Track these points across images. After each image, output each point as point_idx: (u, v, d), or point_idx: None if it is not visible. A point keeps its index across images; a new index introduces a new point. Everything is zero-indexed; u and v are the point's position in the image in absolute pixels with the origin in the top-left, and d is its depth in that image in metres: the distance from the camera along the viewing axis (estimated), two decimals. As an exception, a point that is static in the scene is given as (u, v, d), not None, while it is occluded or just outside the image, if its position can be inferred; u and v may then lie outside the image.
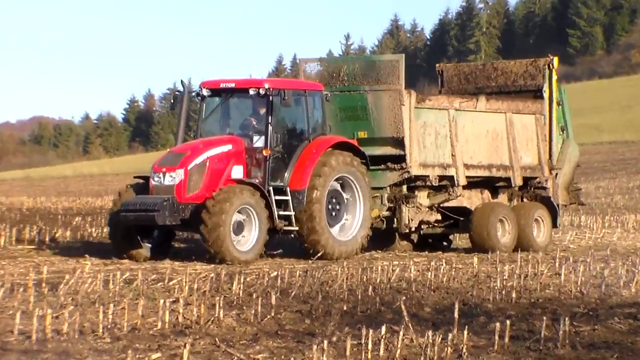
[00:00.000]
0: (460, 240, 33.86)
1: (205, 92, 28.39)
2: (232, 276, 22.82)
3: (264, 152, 27.51)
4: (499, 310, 19.40)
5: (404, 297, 20.25)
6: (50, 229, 36.19)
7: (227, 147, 27.52)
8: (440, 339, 14.98)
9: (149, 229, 27.41)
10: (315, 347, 14.13)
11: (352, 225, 28.79)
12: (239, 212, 26.53)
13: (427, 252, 30.83)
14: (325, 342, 14.36)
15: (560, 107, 32.86)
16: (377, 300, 20.13)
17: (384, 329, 15.44)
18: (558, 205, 32.53)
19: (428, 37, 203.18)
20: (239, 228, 26.73)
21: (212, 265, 26.65)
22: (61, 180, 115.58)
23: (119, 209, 27.19)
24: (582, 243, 34.55)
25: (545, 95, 32.35)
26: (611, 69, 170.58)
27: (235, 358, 14.63)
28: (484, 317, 18.42)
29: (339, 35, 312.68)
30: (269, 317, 18.18)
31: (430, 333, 15.13)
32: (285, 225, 27.76)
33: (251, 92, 27.67)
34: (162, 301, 18.23)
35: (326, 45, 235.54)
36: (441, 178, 30.22)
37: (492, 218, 30.63)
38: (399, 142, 29.23)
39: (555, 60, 32.68)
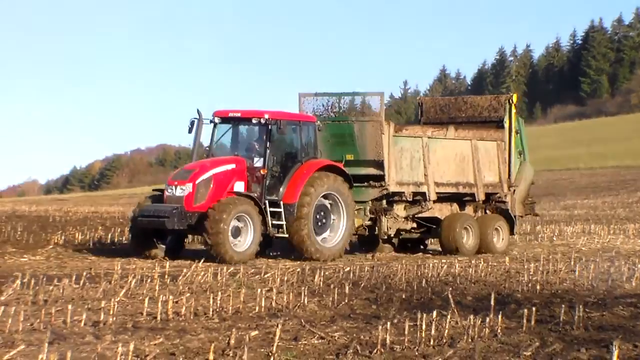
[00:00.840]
0: (433, 244, 32.94)
1: (216, 119, 28.05)
2: (314, 270, 22.76)
3: (262, 171, 27.07)
4: (526, 299, 19.18)
5: (450, 288, 20.17)
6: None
7: (231, 166, 27.05)
8: (479, 321, 14.84)
9: (164, 233, 26.93)
10: (380, 327, 14.03)
11: (337, 235, 27.97)
12: (237, 219, 26.03)
13: (407, 254, 30.29)
14: (389, 323, 14.24)
15: (518, 135, 32.13)
16: (429, 291, 19.99)
17: (434, 313, 15.34)
18: (515, 217, 31.92)
19: (469, 83, 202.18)
20: (236, 232, 26.13)
21: (298, 262, 26.59)
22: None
23: (136, 215, 26.86)
24: (592, 246, 34.03)
25: (506, 125, 31.68)
26: (615, 109, 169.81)
27: (317, 335, 14.53)
28: (514, 304, 18.23)
29: (398, 81, 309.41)
30: (343, 303, 18.08)
31: (471, 317, 15.01)
32: (277, 233, 27.25)
33: (254, 121, 27.53)
34: (259, 290, 18.20)
35: (388, 89, 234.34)
36: (415, 194, 29.74)
37: (458, 226, 30.05)
38: (379, 164, 28.82)
39: (514, 96, 32.29)
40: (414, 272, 23.30)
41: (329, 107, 29.52)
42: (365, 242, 30.77)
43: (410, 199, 29.56)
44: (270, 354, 12.80)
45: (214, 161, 27.27)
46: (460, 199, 31.17)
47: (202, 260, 24.33)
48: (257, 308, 17.12)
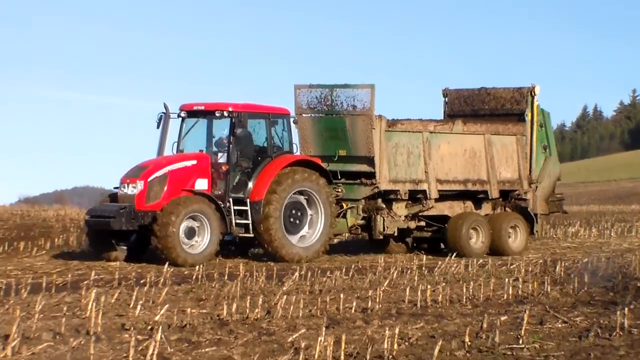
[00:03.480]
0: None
1: (183, 113, 23.98)
2: (555, 262, 22.46)
3: (223, 167, 23.32)
4: None
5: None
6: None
7: (191, 162, 23.17)
8: None
9: (126, 234, 22.89)
10: (618, 312, 13.77)
11: (313, 235, 23.98)
12: (192, 219, 22.39)
13: (421, 253, 26.37)
14: (626, 309, 13.97)
15: (542, 129, 27.89)
16: (661, 279, 19.49)
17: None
18: (536, 215, 27.51)
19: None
20: (190, 233, 22.39)
21: (540, 254, 26.30)
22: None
23: (87, 216, 23.56)
24: None
25: (527, 118, 27.45)
26: None
27: (560, 320, 14.35)
28: None
29: (627, 89, 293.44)
30: (582, 291, 17.79)
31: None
32: (241, 232, 23.38)
33: (217, 114, 23.46)
34: (506, 280, 18.11)
35: (618, 96, 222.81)
36: (414, 192, 25.58)
37: (465, 226, 25.76)
38: (370, 161, 24.76)
39: (537, 88, 27.57)
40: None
41: (322, 100, 25.31)
42: (375, 241, 26.51)
43: (406, 198, 25.55)
44: (519, 336, 12.72)
45: (171, 158, 23.52)
46: (474, 196, 27.05)
47: (454, 255, 24.27)
48: (505, 296, 17.02)
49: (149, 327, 13.10)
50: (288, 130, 24.32)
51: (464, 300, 16.48)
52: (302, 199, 23.90)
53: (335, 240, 26.53)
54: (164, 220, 22.00)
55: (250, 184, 23.34)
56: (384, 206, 25.18)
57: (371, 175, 24.81)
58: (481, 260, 23.10)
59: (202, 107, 23.78)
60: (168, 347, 11.55)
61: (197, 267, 20.33)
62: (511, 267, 21.97)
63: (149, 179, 22.52)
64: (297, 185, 23.56)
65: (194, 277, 19.21)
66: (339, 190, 24.97)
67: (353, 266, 21.01)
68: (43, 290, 16.70)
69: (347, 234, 26.79)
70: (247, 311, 14.38)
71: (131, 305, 14.84)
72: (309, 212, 23.96)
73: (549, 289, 17.71)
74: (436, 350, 10.90)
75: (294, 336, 12.31)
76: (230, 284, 17.59)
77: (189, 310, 14.33)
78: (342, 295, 15.68)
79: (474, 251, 25.55)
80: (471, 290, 17.10)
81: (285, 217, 23.54)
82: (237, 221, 23.18)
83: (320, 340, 10.84)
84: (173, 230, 21.94)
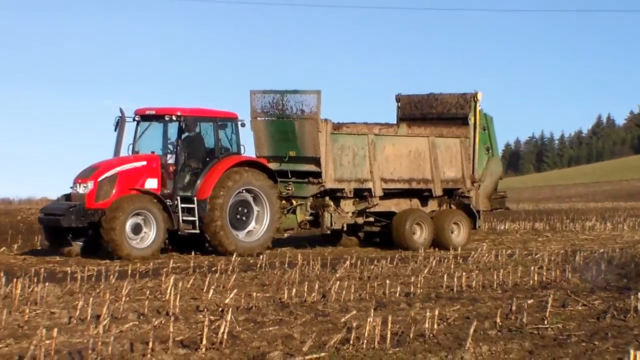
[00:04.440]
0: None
1: (137, 117, 22.55)
2: (574, 252, 22.22)
3: (171, 168, 21.97)
4: None
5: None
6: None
7: (141, 163, 21.81)
8: None
9: (82, 231, 21.49)
10: (632, 296, 13.62)
11: (259, 231, 22.54)
12: (139, 215, 21.04)
13: (375, 247, 25.01)
14: (639, 293, 13.79)
15: (485, 131, 26.24)
16: (669, 267, 19.23)
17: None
18: (478, 212, 26.07)
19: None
20: (137, 229, 21.03)
21: (561, 245, 26.07)
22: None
23: (41, 213, 22.21)
24: None
25: (470, 122, 25.86)
26: None
27: (580, 303, 14.23)
28: None
29: (637, 100, 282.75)
30: (600, 277, 17.61)
31: None
32: (188, 229, 21.98)
33: (166, 118, 22.04)
34: (532, 267, 17.96)
35: (628, 106, 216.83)
36: (359, 190, 24.17)
37: (409, 222, 24.43)
38: (317, 161, 23.41)
39: (479, 94, 25.99)
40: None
41: (274, 105, 23.96)
42: (328, 236, 25.23)
43: (352, 195, 24.12)
44: (544, 317, 12.60)
45: (122, 159, 22.15)
46: (420, 194, 25.53)
47: (484, 246, 24.12)
48: (531, 282, 16.87)
49: (220, 309, 13.14)
50: (236, 132, 22.85)
51: (495, 285, 16.37)
52: (249, 196, 22.56)
53: (286, 235, 25.36)
54: (110, 216, 20.78)
55: (197, 183, 22.01)
56: (331, 203, 23.92)
57: (318, 175, 23.57)
58: (509, 251, 22.91)
59: (154, 112, 22.51)
60: (237, 326, 11.57)
61: (261, 257, 20.33)
62: (536, 256, 21.76)
63: (99, 179, 21.28)
64: (243, 184, 22.29)
65: (259, 265, 19.24)
66: (289, 188, 23.81)
67: (397, 256, 20.93)
68: (128, 276, 16.80)
69: (297, 229, 25.08)
70: (305, 295, 14.37)
71: (204, 290, 14.88)
72: (256, 209, 22.65)
73: (569, 276, 17.53)
74: (471, 330, 10.81)
75: (346, 317, 12.28)
76: (290, 271, 17.61)
77: (254, 294, 14.35)
78: (387, 281, 15.62)
79: (417, 245, 24.05)
80: (501, 277, 16.97)
81: (232, 214, 22.25)
82: (184, 218, 21.85)
83: (370, 321, 10.80)
84: (118, 225, 20.68)
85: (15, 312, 12.40)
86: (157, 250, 21.28)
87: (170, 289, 13.82)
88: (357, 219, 24.56)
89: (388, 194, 24.75)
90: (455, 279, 16.03)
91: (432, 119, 26.34)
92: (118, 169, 21.53)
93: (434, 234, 24.91)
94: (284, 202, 23.55)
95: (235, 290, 14.34)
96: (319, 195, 23.82)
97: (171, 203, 21.73)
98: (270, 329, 11.61)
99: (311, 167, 23.61)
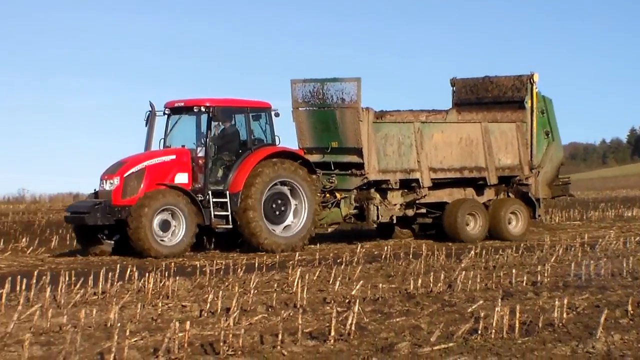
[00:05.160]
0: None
1: (167, 110, 21.66)
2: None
3: (200, 161, 20.95)
4: None
5: None
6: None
7: (170, 157, 20.89)
8: None
9: (113, 229, 20.63)
10: None
11: (297, 225, 21.46)
12: (167, 211, 20.20)
13: (428, 239, 23.93)
14: None
15: (544, 115, 24.85)
16: None
17: None
18: (538, 200, 24.67)
19: None
20: (165, 225, 20.15)
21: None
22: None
23: (67, 212, 21.42)
24: None
25: (527, 105, 24.52)
26: None
27: None
28: None
29: None
30: None
31: None
32: (221, 224, 20.94)
33: (195, 109, 21.10)
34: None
35: None
36: (406, 181, 22.98)
37: (460, 212, 23.28)
38: (359, 152, 22.25)
39: (536, 75, 24.58)
40: None
41: (315, 94, 22.84)
42: (380, 229, 24.38)
43: (397, 187, 22.93)
44: (677, 305, 12.29)
45: (150, 153, 21.24)
46: (474, 183, 24.23)
47: (612, 233, 23.63)
48: (661, 269, 16.49)
49: (347, 300, 13.18)
50: (270, 123, 21.76)
51: (624, 273, 15.99)
52: (285, 189, 21.51)
53: (329, 230, 23.99)
54: (136, 213, 19.94)
55: (230, 177, 20.99)
56: (377, 196, 22.78)
57: (361, 166, 22.45)
58: (638, 238, 22.40)
59: (182, 104, 21.57)
60: (364, 318, 11.60)
61: (385, 248, 20.30)
62: (666, 243, 21.26)
63: (125, 175, 20.40)
64: (277, 176, 21.19)
65: (383, 256, 19.24)
66: (332, 181, 22.77)
67: (522, 244, 20.67)
68: (256, 269, 17.00)
69: (343, 224, 23.87)
70: (431, 285, 14.32)
71: (330, 282, 14.96)
72: (293, 202, 21.53)
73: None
74: (602, 319, 10.62)
75: (473, 307, 12.19)
76: (415, 262, 17.56)
77: (380, 285, 14.35)
78: (513, 270, 15.46)
79: (470, 237, 23.25)
80: (630, 265, 16.58)
81: (268, 208, 21.21)
82: (216, 213, 20.84)
83: (497, 310, 10.70)
84: (145, 223, 19.84)
85: (149, 305, 12.68)
86: (186, 248, 20.41)
87: (297, 281, 13.92)
88: (407, 211, 23.49)
89: (439, 184, 23.68)
90: (583, 267, 15.77)
91: (487, 104, 25.22)
92: (145, 163, 20.71)
93: (489, 225, 23.85)
94: (327, 195, 22.73)
95: (361, 282, 14.39)
96: (363, 187, 22.77)
97: (203, 198, 20.86)
98: (398, 319, 11.60)
99: (353, 158, 22.58)
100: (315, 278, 15.50)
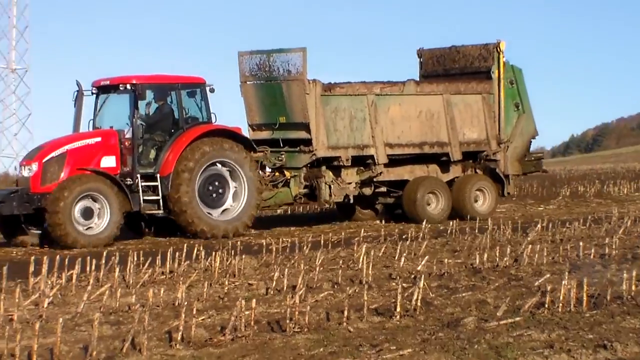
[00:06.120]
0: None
1: (94, 90, 19.86)
2: None
3: (127, 143, 19.22)
4: None
5: None
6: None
7: (95, 140, 19.09)
8: None
9: (40, 218, 18.69)
10: None
11: (237, 209, 19.87)
12: (90, 198, 18.48)
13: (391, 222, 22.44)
14: None
15: (513, 86, 23.22)
16: None
17: None
18: (507, 177, 23.28)
19: None
20: (87, 213, 18.42)
21: None
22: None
23: None
24: None
25: (494, 75, 22.85)
26: None
27: None
28: None
29: None
30: None
31: None
32: (152, 209, 19.30)
33: (121, 87, 19.36)
34: None
35: None
36: (359, 157, 21.51)
37: (421, 191, 21.91)
38: (306, 127, 20.78)
39: (502, 43, 22.95)
40: None
41: (262, 66, 21.29)
42: (341, 210, 23.38)
43: (349, 164, 21.42)
44: None
45: (71, 136, 19.45)
46: (438, 159, 22.72)
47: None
48: None
49: (412, 276, 13.14)
50: (205, 99, 20.04)
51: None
52: (224, 170, 19.93)
53: (279, 211, 23.17)
54: (53, 198, 18.24)
55: (160, 158, 19.34)
56: (329, 173, 21.41)
57: (309, 142, 20.94)
58: None
59: (108, 82, 19.78)
60: (430, 293, 11.55)
61: (451, 223, 20.17)
62: None
63: (44, 160, 18.68)
64: (212, 157, 19.58)
65: (449, 231, 19.14)
66: (281, 158, 21.38)
67: (589, 217, 20.42)
68: (321, 246, 16.99)
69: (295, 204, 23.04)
70: (497, 259, 14.22)
71: (396, 258, 14.92)
72: (232, 184, 19.99)
73: None
74: (671, 291, 10.46)
75: (540, 280, 12.07)
76: (481, 237, 17.42)
77: (445, 260, 14.28)
78: (581, 243, 15.28)
79: (431, 217, 21.80)
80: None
81: (204, 191, 19.66)
82: (146, 198, 19.17)
83: (564, 284, 10.58)
84: (63, 207, 18.16)
85: (216, 284, 12.75)
86: (110, 236, 18.71)
87: (363, 258, 13.91)
88: (364, 190, 22.10)
89: (398, 161, 22.26)
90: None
91: (455, 75, 23.62)
92: (67, 147, 18.95)
93: (453, 203, 22.49)
94: (276, 174, 21.49)
95: (427, 257, 14.33)
96: (313, 165, 21.35)
97: (132, 182, 19.24)
98: (463, 294, 11.54)
99: (302, 134, 21.07)
100: (380, 254, 15.48)
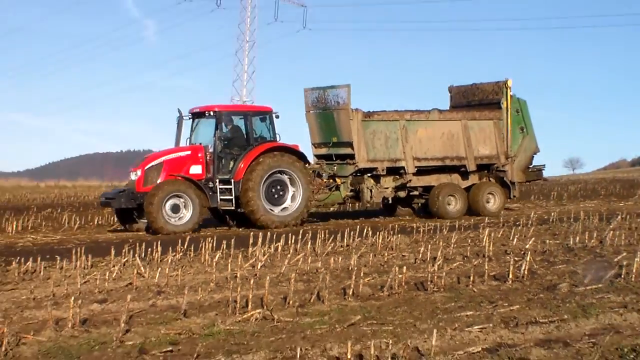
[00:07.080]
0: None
1: (190, 115, 19.44)
2: None
3: (209, 155, 18.77)
4: None
5: None
6: None
7: (186, 153, 18.76)
8: None
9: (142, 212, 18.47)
10: None
11: (293, 208, 19.05)
12: (177, 196, 18.04)
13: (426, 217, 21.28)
14: None
15: (519, 114, 22.17)
16: None
17: None
18: (513, 183, 22.19)
19: None
20: (175, 208, 17.98)
21: None
22: None
23: (101, 197, 19.28)
24: None
25: (503, 106, 21.94)
26: None
27: None
28: None
29: None
30: None
31: None
32: (226, 206, 18.67)
33: (206, 114, 19.09)
34: None
35: None
36: (393, 168, 20.75)
37: (442, 194, 20.93)
38: (351, 145, 20.18)
39: (509, 81, 22.06)
40: None
41: (319, 99, 20.76)
42: (385, 209, 22.39)
43: (385, 173, 20.62)
44: None
45: (168, 150, 19.08)
46: (459, 170, 21.72)
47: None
48: None
49: (522, 252, 12.73)
50: (271, 123, 19.43)
51: None
52: (285, 178, 19.25)
53: (332, 209, 22.14)
54: (150, 194, 18.06)
55: (234, 167, 18.87)
56: (370, 180, 20.70)
57: (353, 157, 20.38)
58: None
59: (198, 110, 19.46)
60: (534, 265, 11.17)
61: (552, 214, 19.45)
62: None
63: (146, 167, 18.52)
64: (275, 166, 18.98)
65: (551, 220, 18.47)
66: (334, 169, 20.70)
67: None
68: (456, 229, 16.75)
69: (346, 204, 22.21)
70: (586, 241, 13.63)
71: (510, 238, 14.50)
72: (291, 189, 19.29)
73: None
74: None
75: (618, 257, 11.49)
76: (575, 224, 16.76)
77: (547, 241, 13.81)
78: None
79: (450, 214, 20.92)
80: None
81: (269, 192, 19.00)
82: (222, 197, 18.70)
83: (637, 260, 10.06)
84: (156, 204, 17.82)
85: (378, 255, 12.73)
86: (195, 225, 18.14)
87: (486, 238, 13.60)
88: (399, 193, 21.28)
89: (427, 171, 21.42)
90: None
91: (475, 105, 22.76)
92: (163, 158, 18.75)
93: (470, 204, 21.53)
94: (330, 180, 20.74)
95: (533, 239, 13.91)
96: (358, 174, 20.75)
97: (213, 185, 18.77)
98: (560, 267, 11.11)
99: (348, 150, 20.53)
100: (499, 235, 15.08)
